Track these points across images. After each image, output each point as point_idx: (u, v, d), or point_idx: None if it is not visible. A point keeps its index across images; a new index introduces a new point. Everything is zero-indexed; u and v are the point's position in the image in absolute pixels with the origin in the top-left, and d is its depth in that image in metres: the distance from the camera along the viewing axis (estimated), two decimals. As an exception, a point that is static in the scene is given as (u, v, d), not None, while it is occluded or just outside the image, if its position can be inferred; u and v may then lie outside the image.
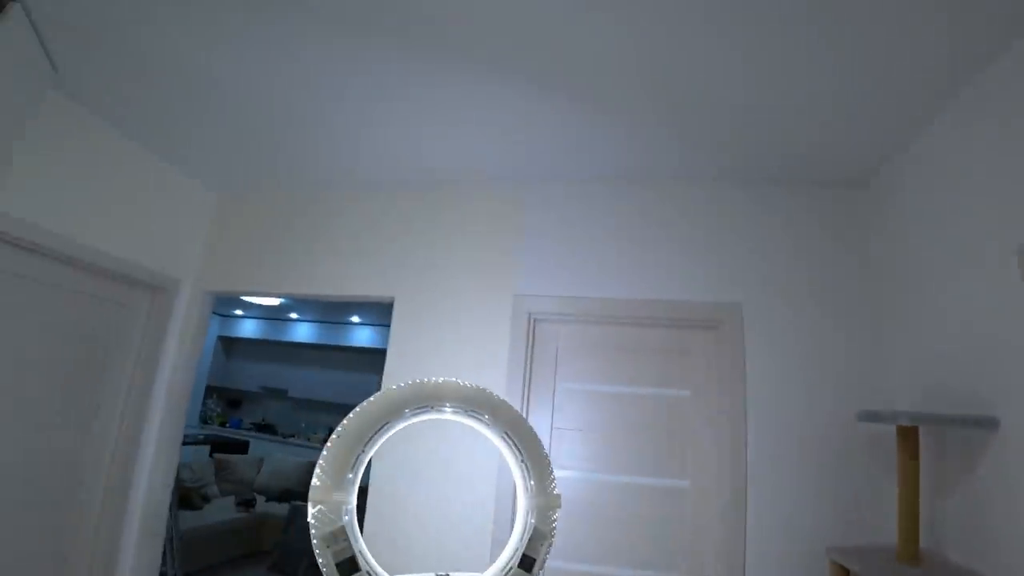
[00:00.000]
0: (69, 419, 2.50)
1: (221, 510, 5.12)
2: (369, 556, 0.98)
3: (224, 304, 7.36)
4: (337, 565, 0.94)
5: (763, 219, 2.41)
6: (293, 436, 7.13)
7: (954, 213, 1.82)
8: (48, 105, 2.17)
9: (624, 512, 2.21)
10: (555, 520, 1.06)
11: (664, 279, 2.39)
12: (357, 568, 0.95)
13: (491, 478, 2.27)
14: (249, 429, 7.35)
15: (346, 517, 0.98)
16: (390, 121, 2.19)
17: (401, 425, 1.03)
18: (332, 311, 6.90)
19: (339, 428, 1.01)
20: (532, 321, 2.44)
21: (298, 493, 5.73)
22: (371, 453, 1.02)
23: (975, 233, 1.71)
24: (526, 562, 1.03)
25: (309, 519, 0.97)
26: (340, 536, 0.96)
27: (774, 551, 2.07)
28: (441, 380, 1.07)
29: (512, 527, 1.17)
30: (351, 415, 1.02)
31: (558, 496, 1.08)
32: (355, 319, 6.98)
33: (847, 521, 2.07)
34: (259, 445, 6.92)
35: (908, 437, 1.73)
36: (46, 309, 2.37)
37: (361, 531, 1.06)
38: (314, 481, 0.98)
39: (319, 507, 0.96)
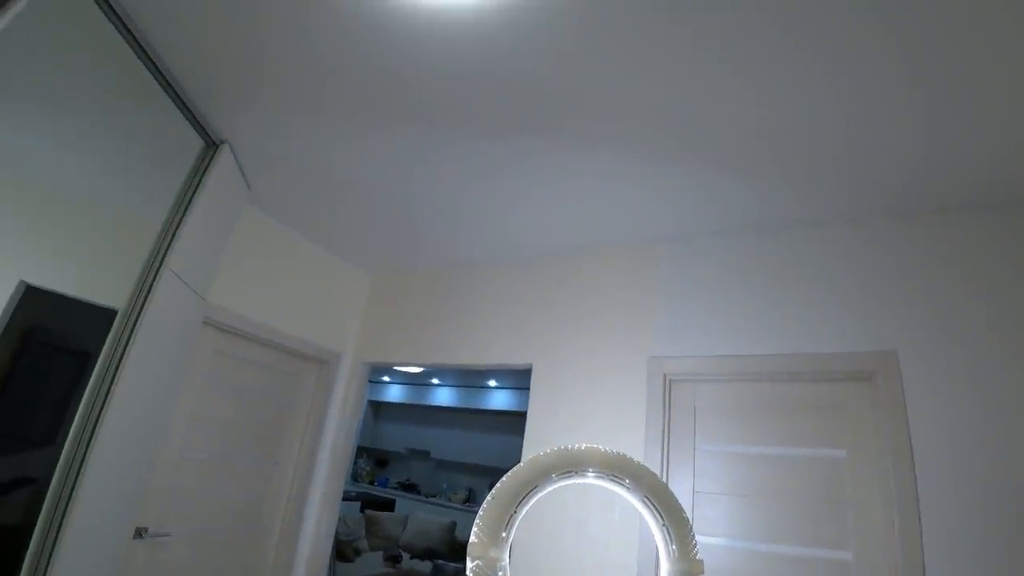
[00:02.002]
0: (255, 471, 2.94)
1: (371, 564, 5.47)
2: (524, 612, 1.06)
3: (373, 371, 8.07)
4: (495, 617, 1.03)
5: (913, 256, 2.19)
6: (435, 496, 7.43)
7: None
8: (243, 217, 2.71)
9: (779, 588, 2.05)
10: (701, 587, 1.07)
11: (805, 331, 2.27)
12: (512, 622, 1.03)
13: (633, 543, 2.24)
14: (395, 488, 7.80)
15: (500, 574, 1.07)
16: (527, 205, 2.43)
17: (549, 488, 1.12)
18: (470, 376, 7.26)
19: (494, 490, 1.12)
20: (668, 382, 2.43)
21: (440, 552, 5.95)
22: (522, 514, 1.11)
23: None
24: (674, 628, 1.04)
25: (468, 573, 1.08)
26: (497, 590, 1.05)
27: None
28: (584, 447, 1.15)
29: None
30: (504, 478, 1.13)
31: (701, 562, 1.08)
32: (492, 383, 7.26)
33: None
34: (404, 503, 7.31)
35: None
36: (238, 379, 2.85)
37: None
38: (472, 538, 1.09)
39: (477, 562, 1.07)
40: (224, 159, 2.18)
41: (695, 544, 1.10)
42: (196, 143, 2.11)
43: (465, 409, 7.56)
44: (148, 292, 1.88)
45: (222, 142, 2.18)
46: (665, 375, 2.42)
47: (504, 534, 1.10)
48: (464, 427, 7.63)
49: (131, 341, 1.82)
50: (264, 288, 2.88)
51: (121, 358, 1.80)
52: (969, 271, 2.10)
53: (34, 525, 1.62)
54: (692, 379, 2.42)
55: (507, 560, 1.10)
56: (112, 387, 1.77)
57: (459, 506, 6.89)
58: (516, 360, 2.82)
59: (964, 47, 1.41)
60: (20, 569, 1.60)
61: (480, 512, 1.13)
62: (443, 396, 7.84)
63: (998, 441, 1.88)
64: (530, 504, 1.12)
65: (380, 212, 2.67)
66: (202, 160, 2.12)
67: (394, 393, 8.42)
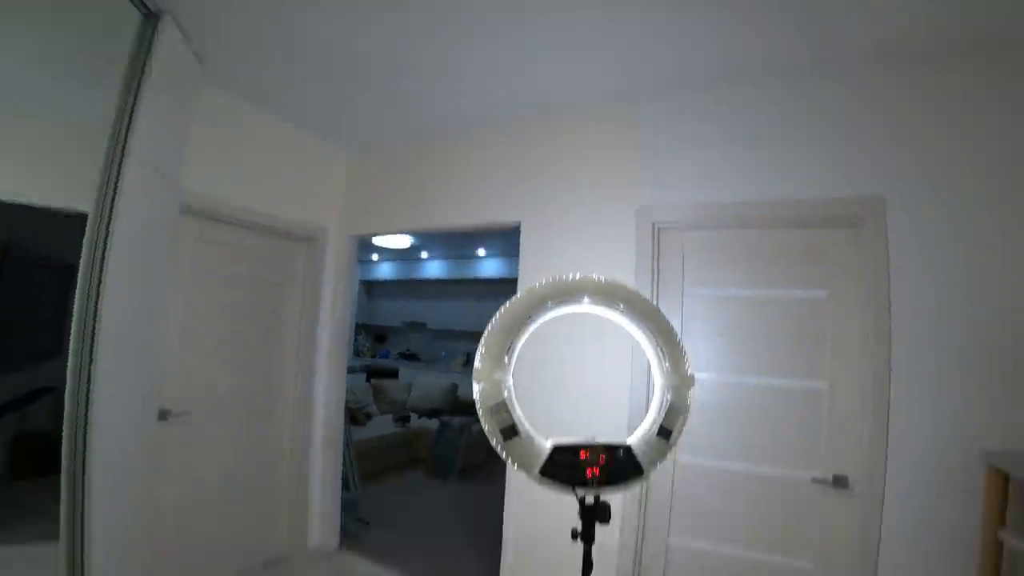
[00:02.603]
0: (260, 348, 3.07)
1: (382, 426, 5.92)
2: (526, 423, 1.16)
3: (362, 250, 8.11)
4: (501, 430, 1.14)
5: (907, 103, 2.14)
6: (435, 362, 7.85)
7: None
8: (205, 98, 2.55)
9: (759, 413, 2.26)
10: (690, 398, 1.17)
11: (795, 176, 2.26)
12: (517, 432, 1.14)
13: (625, 364, 2.43)
14: (397, 359, 8.20)
15: (505, 393, 1.16)
16: (499, 57, 2.27)
17: (546, 316, 1.18)
18: (459, 246, 7.31)
19: (494, 319, 1.18)
20: (656, 230, 2.47)
21: (445, 410, 6.44)
22: (522, 340, 1.18)
23: None
24: (664, 432, 1.16)
25: (475, 395, 1.17)
26: (502, 408, 1.15)
27: (920, 453, 1.98)
28: (578, 276, 1.19)
29: (648, 405, 1.29)
30: (502, 309, 1.19)
31: (692, 377, 1.18)
32: (481, 252, 7.34)
33: (1009, 424, 1.91)
34: (407, 371, 7.74)
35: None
36: (227, 265, 2.88)
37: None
38: (476, 364, 1.17)
39: (483, 384, 1.15)
40: (168, 32, 1.97)
41: (688, 360, 1.19)
42: (134, 18, 1.91)
43: (456, 280, 7.72)
44: (116, 187, 1.79)
45: (162, 12, 1.96)
46: (654, 224, 2.46)
47: (506, 359, 1.18)
48: (456, 297, 7.85)
49: (109, 237, 1.77)
50: (239, 170, 2.81)
51: (103, 259, 1.76)
52: (959, 119, 2.06)
53: (61, 428, 1.70)
54: (680, 227, 2.46)
55: (511, 381, 1.19)
56: (100, 288, 1.75)
57: (459, 370, 7.29)
58: (504, 218, 2.83)
59: None
60: (59, 468, 1.71)
61: (482, 340, 1.20)
62: (433, 269, 7.96)
63: (971, 289, 1.98)
64: (530, 330, 1.19)
65: (351, 79, 2.50)
66: (143, 37, 1.92)
67: (385, 271, 8.54)
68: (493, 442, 1.15)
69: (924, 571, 1.95)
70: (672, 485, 2.34)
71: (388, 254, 8.24)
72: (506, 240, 6.17)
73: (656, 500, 2.35)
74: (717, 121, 2.43)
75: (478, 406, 1.16)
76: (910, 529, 1.97)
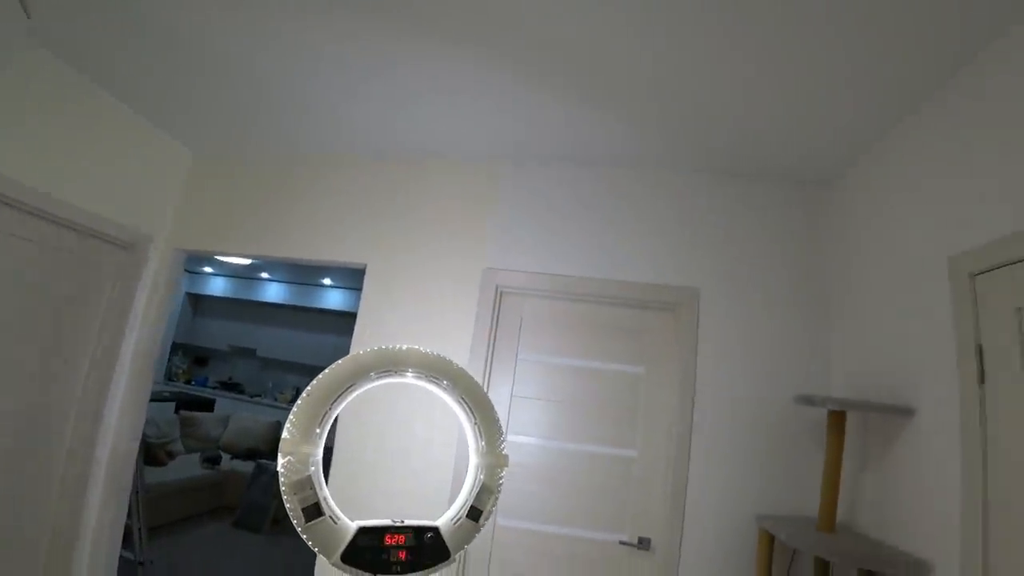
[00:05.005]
0: (36, 373, 2.52)
1: (186, 467, 5.19)
2: (332, 503, 1.08)
3: (194, 261, 7.30)
4: (303, 510, 1.05)
5: (727, 211, 2.54)
6: (260, 395, 7.18)
7: (897, 222, 1.98)
8: (24, 56, 2.14)
9: (576, 477, 2.37)
10: (502, 477, 1.19)
11: (629, 261, 2.52)
12: (321, 513, 1.06)
13: (452, 441, 2.40)
14: (215, 387, 7.37)
15: (312, 468, 1.08)
16: (370, 96, 2.24)
17: (366, 387, 1.13)
18: (304, 272, 6.90)
19: (309, 387, 1.11)
20: (499, 294, 2.55)
21: (263, 452, 5.84)
22: (337, 411, 1.11)
23: (912, 242, 1.87)
24: (474, 513, 1.15)
25: (279, 468, 1.07)
26: (307, 485, 1.06)
27: (710, 517, 2.25)
28: (405, 347, 1.17)
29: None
30: (320, 376, 1.12)
31: (506, 456, 1.20)
32: (327, 281, 6.99)
33: (778, 493, 2.26)
34: (225, 403, 6.97)
35: (836, 420, 1.91)
36: (16, 262, 2.37)
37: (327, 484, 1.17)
38: (284, 434, 1.08)
39: (288, 458, 1.06)
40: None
41: (503, 441, 1.20)
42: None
43: (297, 307, 7.24)
44: None
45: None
46: (497, 286, 2.54)
47: (318, 430, 1.10)
48: (295, 326, 7.35)
49: None
50: (49, 147, 2.33)
51: None
52: (761, 234, 2.51)
53: None
54: (521, 292, 2.56)
55: (319, 455, 1.11)
56: None
57: (286, 406, 6.74)
58: (351, 258, 2.72)
59: (789, 39, 1.54)
60: None
61: (294, 409, 1.11)
62: (273, 292, 7.40)
63: (759, 372, 2.37)
64: (347, 401, 1.13)
65: (202, 75, 2.27)
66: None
67: (217, 286, 7.74)
68: (295, 523, 1.05)
69: (709, 623, 2.18)
70: (491, 549, 2.34)
71: (223, 268, 7.50)
72: (356, 274, 5.97)
73: (474, 565, 2.33)
74: (566, 197, 2.62)
75: (282, 481, 1.06)
76: None
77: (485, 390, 2.37)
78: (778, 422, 2.32)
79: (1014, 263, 1.42)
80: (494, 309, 2.52)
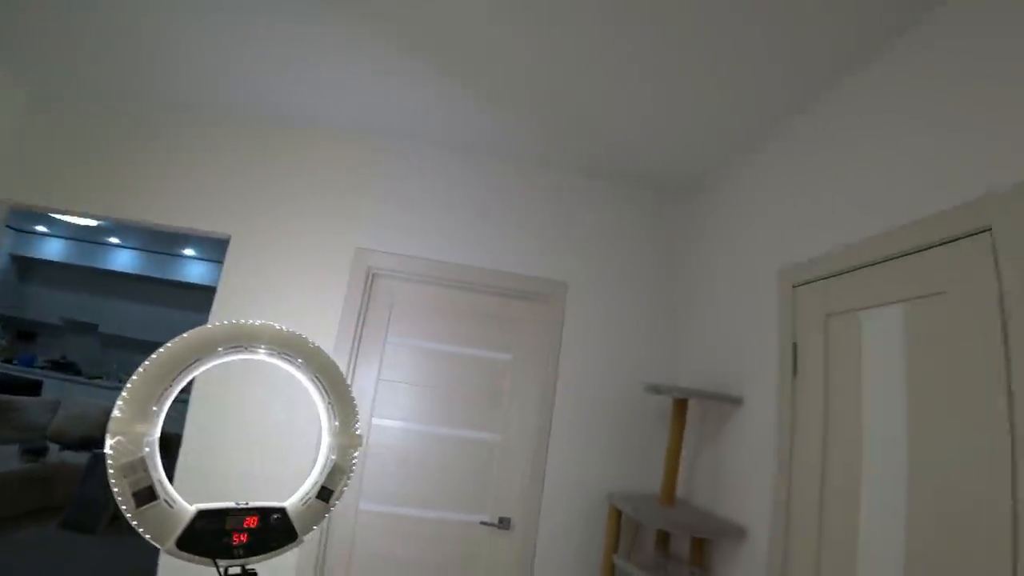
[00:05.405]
0: None
1: (1, 460, 4.47)
2: (168, 486, 1.01)
3: (22, 217, 6.30)
4: (134, 494, 0.96)
5: (598, 211, 2.71)
6: (100, 377, 6.40)
7: (741, 234, 2.24)
8: None
9: (441, 460, 2.40)
10: (355, 458, 1.18)
11: (502, 252, 2.59)
12: (154, 497, 0.98)
13: (315, 423, 2.29)
14: (44, 367, 6.44)
15: (147, 449, 1.00)
16: (242, 56, 2.07)
17: (213, 363, 1.06)
18: (162, 240, 6.23)
19: (147, 361, 1.02)
20: (371, 275, 2.50)
21: (101, 440, 5.21)
22: (178, 388, 1.04)
23: (752, 253, 2.14)
24: (324, 493, 1.13)
25: (107, 450, 0.97)
26: (139, 467, 0.98)
27: (567, 496, 2.41)
28: (259, 323, 1.11)
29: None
30: (160, 350, 1.03)
31: (360, 436, 1.19)
32: (188, 252, 6.38)
33: (627, 472, 2.48)
34: (56, 386, 6.11)
35: (679, 407, 2.11)
36: None
37: (175, 466, 1.08)
38: (115, 412, 0.98)
39: (118, 438, 0.97)
40: None
41: (357, 421, 1.19)
42: None
43: (151, 279, 6.53)
44: None
45: None
46: (369, 268, 2.48)
47: (155, 408, 1.02)
48: (149, 300, 6.62)
49: None
50: None
51: None
52: (636, 235, 2.73)
53: None
54: (392, 275, 2.53)
55: (155, 436, 1.03)
56: None
57: (133, 389, 6.07)
58: (213, 227, 2.50)
59: (660, 56, 1.67)
60: None
61: (128, 385, 1.01)
62: (123, 260, 6.59)
63: (615, 363, 2.58)
64: (190, 378, 1.05)
65: (65, 8, 1.95)
66: None
67: (53, 249, 6.72)
68: (123, 509, 0.97)
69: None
70: (354, 533, 2.30)
71: (61, 229, 6.55)
72: (222, 245, 5.51)
73: (336, 549, 2.28)
74: (445, 184, 2.63)
75: (108, 464, 0.97)
76: (556, 558, 2.37)
77: (351, 372, 2.35)
78: (630, 408, 2.53)
79: (826, 278, 1.69)
80: (365, 290, 2.47)
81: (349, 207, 2.55)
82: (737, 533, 1.85)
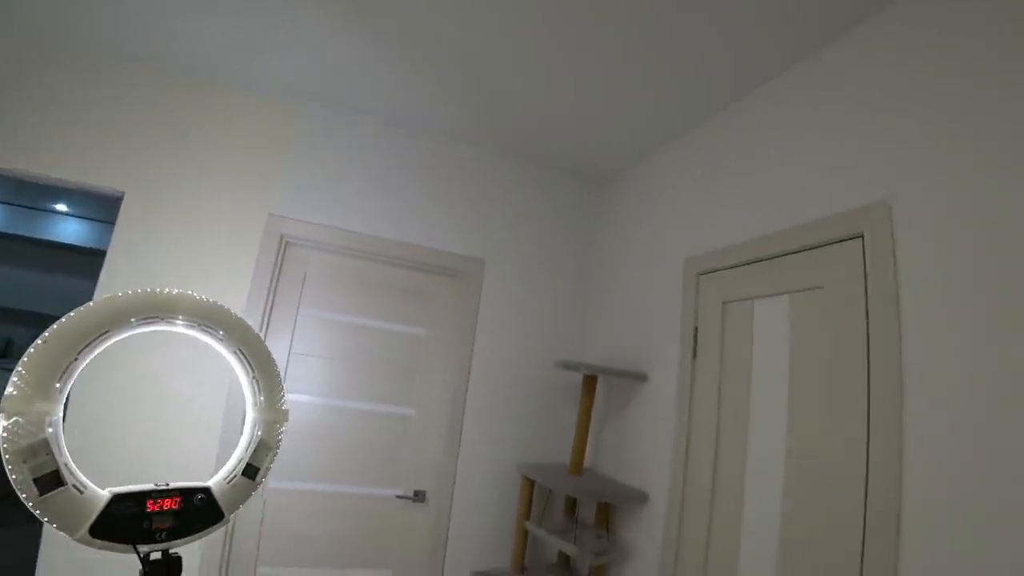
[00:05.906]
0: None
1: None
2: (76, 470, 0.94)
3: None
4: (36, 480, 0.89)
5: (520, 191, 2.77)
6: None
7: (655, 223, 2.39)
8: None
9: (355, 435, 2.38)
10: (281, 433, 1.16)
11: (420, 225, 2.57)
12: (61, 483, 0.91)
13: (221, 398, 2.19)
14: None
15: (50, 429, 0.92)
16: None
17: (125, 335, 0.99)
18: (27, 193, 5.49)
19: (47, 332, 0.94)
20: (284, 243, 2.37)
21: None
22: (86, 362, 0.96)
23: (662, 241, 2.30)
24: (250, 471, 1.11)
25: (1, 431, 0.89)
26: (41, 450, 0.91)
27: (481, 468, 2.49)
28: (176, 291, 1.05)
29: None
30: (64, 318, 0.95)
31: (286, 411, 1.17)
32: (61, 207, 5.67)
33: (539, 444, 2.60)
34: None
35: (589, 383, 2.24)
36: None
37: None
38: (10, 389, 0.90)
39: (15, 419, 0.89)
40: None
41: (283, 395, 1.17)
42: None
43: (14, 236, 5.75)
44: None
45: None
46: (282, 236, 2.35)
47: (58, 384, 0.95)
48: (10, 261, 5.85)
49: None
50: None
51: None
52: (556, 217, 2.83)
53: None
54: (307, 244, 2.42)
55: (59, 415, 0.96)
56: None
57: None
58: (104, 181, 2.21)
59: (593, 47, 1.72)
60: None
61: (23, 359, 0.93)
62: (-19, 216, 5.75)
63: (530, 339, 2.68)
64: (98, 351, 0.98)
65: None
66: None
67: None
68: (23, 497, 0.89)
69: (478, 557, 2.44)
70: (263, 511, 2.24)
71: None
72: (105, 202, 4.95)
73: (244, 529, 2.20)
74: (365, 154, 2.54)
75: (3, 448, 0.88)
76: (471, 528, 2.45)
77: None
78: (542, 384, 2.65)
79: (725, 269, 1.87)
80: (277, 260, 2.34)
81: (264, 170, 2.38)
82: (639, 498, 2.03)
